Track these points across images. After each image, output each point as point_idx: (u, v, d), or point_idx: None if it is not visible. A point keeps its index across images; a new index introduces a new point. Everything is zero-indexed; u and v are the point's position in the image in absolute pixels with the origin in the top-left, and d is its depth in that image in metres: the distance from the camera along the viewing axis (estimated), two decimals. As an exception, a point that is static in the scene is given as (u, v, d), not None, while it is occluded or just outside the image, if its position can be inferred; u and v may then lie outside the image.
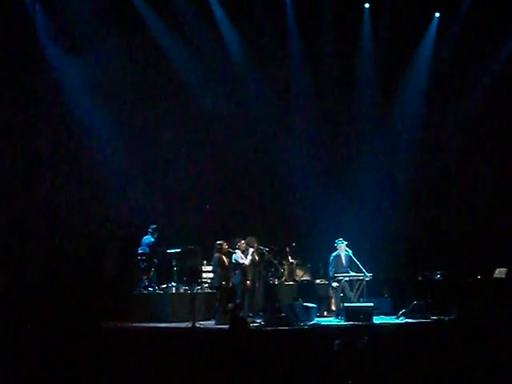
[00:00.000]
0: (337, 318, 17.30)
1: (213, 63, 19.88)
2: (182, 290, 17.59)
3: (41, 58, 18.42)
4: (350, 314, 16.46)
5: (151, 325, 16.17)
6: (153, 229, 17.96)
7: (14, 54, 18.06)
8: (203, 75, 19.70)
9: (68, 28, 18.57)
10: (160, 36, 19.28)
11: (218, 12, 19.63)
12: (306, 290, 18.59)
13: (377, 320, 16.57)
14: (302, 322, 16.01)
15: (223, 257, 16.89)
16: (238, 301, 16.64)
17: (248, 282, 16.98)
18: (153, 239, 17.96)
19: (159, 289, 17.70)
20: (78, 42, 18.72)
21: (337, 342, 9.89)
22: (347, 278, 17.57)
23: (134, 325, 16.19)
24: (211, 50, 19.79)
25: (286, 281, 18.85)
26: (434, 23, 20.46)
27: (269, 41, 20.09)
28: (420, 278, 18.43)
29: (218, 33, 19.74)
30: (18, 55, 18.12)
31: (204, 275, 18.27)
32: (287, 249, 19.11)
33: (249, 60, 20.09)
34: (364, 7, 20.43)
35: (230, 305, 16.46)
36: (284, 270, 18.97)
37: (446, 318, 16.48)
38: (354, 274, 17.63)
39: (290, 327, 15.57)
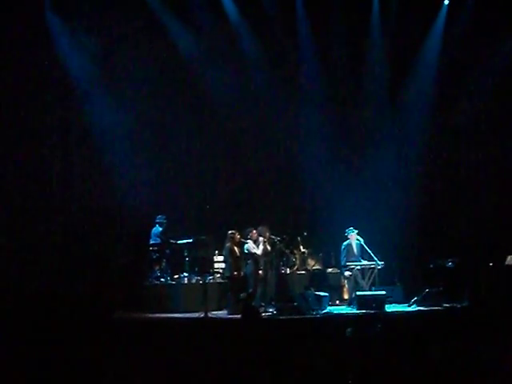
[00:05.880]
0: (349, 306, 17.33)
1: (221, 50, 19.80)
2: (194, 281, 17.63)
3: (48, 43, 18.56)
4: (362, 302, 16.50)
5: (163, 315, 16.26)
6: (160, 219, 17.98)
7: (21, 36, 18.18)
8: (211, 63, 19.63)
9: (74, 11, 18.67)
10: (167, 23, 19.28)
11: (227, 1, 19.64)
12: (317, 279, 18.61)
13: (389, 308, 16.62)
14: (314, 310, 16.06)
15: (235, 247, 16.96)
16: (250, 290, 16.68)
17: (260, 271, 17.01)
18: (161, 229, 17.98)
19: (171, 279, 17.74)
20: (84, 25, 18.82)
21: (349, 329, 9.90)
22: (359, 267, 17.58)
23: (146, 315, 16.28)
24: (219, 38, 19.70)
25: (297, 270, 18.86)
26: (444, 10, 20.34)
27: (278, 28, 20.00)
28: (432, 266, 18.38)
29: (227, 20, 19.66)
30: (25, 38, 18.23)
31: (216, 265, 18.32)
32: (299, 238, 19.11)
33: (258, 47, 20.00)
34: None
35: (242, 294, 16.50)
36: (296, 259, 18.98)
37: (459, 306, 16.49)
38: (365, 262, 17.63)
39: (303, 316, 15.62)
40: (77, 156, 19.06)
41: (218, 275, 18.06)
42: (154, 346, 10.84)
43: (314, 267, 19.12)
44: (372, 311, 16.02)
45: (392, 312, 16.34)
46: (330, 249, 19.32)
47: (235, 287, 16.74)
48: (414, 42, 20.35)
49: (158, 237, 17.99)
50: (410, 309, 16.79)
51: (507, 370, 8.90)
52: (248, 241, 17.08)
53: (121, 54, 19.16)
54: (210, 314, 15.82)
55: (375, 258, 17.41)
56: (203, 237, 18.06)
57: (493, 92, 20.46)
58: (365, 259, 17.68)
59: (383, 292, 16.84)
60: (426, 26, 20.40)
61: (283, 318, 15.53)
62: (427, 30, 20.44)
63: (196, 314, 15.92)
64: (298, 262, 18.98)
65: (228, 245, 16.97)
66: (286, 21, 20.02)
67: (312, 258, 19.25)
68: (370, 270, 17.54)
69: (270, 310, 16.52)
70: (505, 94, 20.44)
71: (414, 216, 20.21)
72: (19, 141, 18.39)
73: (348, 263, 17.62)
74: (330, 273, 18.95)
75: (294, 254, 18.98)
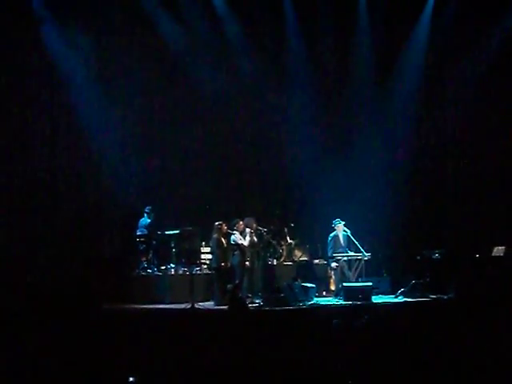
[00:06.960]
0: (336, 297, 17.33)
1: (208, 41, 19.72)
2: (180, 272, 17.63)
3: (36, 37, 18.43)
4: (348, 293, 16.52)
5: (150, 306, 16.23)
6: (149, 209, 17.96)
7: (11, 33, 18.13)
8: (198, 54, 19.57)
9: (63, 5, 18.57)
10: (155, 15, 19.20)
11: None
12: (304, 270, 18.60)
13: (375, 299, 16.64)
14: (300, 301, 16.08)
15: (222, 238, 16.95)
16: (236, 281, 16.67)
17: (247, 262, 16.99)
18: (149, 220, 17.97)
19: (158, 270, 17.74)
20: (73, 20, 18.71)
21: (335, 321, 9.91)
22: (346, 258, 17.58)
23: (133, 306, 16.25)
24: (206, 28, 19.62)
25: (284, 261, 18.86)
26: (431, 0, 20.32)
27: (265, 18, 19.92)
28: (418, 257, 18.41)
29: (213, 10, 19.58)
30: (15, 35, 18.18)
31: (203, 256, 18.31)
32: (285, 229, 19.11)
33: (245, 38, 19.91)
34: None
35: (228, 285, 16.50)
36: (282, 250, 18.98)
37: (445, 297, 16.55)
38: (352, 253, 17.64)
39: (289, 307, 15.63)
40: (65, 148, 18.99)
41: (205, 266, 18.05)
42: (141, 337, 10.83)
43: (300, 258, 19.13)
44: (359, 302, 16.05)
45: (379, 303, 16.36)
46: (316, 240, 19.34)
47: (222, 278, 16.73)
48: (401, 30, 20.27)
49: (145, 228, 17.97)
50: (396, 300, 16.80)
51: (493, 359, 8.95)
52: (235, 232, 17.05)
53: (109, 48, 19.10)
54: (196, 305, 15.80)
55: (362, 250, 17.40)
56: (190, 228, 18.05)
57: (480, 81, 20.47)
58: (352, 250, 17.66)
59: (370, 283, 16.86)
60: (415, 14, 20.31)
61: (270, 309, 15.53)
62: (416, 18, 20.35)
63: (183, 305, 15.91)
64: (284, 253, 18.98)
65: (215, 236, 16.96)
66: (273, 9, 19.92)
67: (299, 250, 19.25)
68: (357, 262, 17.54)
69: (257, 301, 16.50)
70: (492, 85, 20.45)
71: (401, 207, 20.23)
72: (9, 135, 18.32)
73: (335, 254, 17.60)
74: (316, 264, 18.96)
75: (281, 245, 18.98)
